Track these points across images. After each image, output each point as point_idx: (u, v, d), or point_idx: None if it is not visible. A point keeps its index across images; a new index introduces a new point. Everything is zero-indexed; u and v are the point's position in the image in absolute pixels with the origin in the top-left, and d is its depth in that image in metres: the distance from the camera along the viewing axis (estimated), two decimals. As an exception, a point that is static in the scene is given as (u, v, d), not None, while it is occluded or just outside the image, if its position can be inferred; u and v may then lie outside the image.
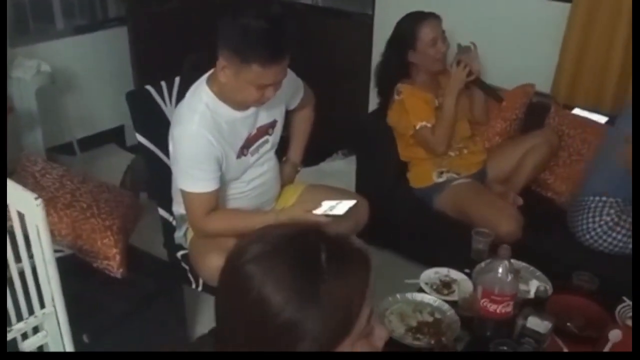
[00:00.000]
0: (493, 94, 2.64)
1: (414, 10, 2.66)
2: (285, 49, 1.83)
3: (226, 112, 1.97)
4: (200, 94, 1.97)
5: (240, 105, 1.98)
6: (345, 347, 0.81)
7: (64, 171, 2.34)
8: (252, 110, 2.02)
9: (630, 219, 2.30)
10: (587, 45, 2.89)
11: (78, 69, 3.56)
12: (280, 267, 0.79)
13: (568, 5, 2.95)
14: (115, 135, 3.94)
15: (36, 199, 1.65)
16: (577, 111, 2.88)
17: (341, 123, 3.53)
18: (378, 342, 0.87)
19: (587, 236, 2.37)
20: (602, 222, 2.33)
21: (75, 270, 2.12)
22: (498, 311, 1.72)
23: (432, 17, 2.60)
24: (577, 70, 2.95)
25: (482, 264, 2.08)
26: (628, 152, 2.17)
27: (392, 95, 2.67)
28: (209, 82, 1.98)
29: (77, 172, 2.46)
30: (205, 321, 2.57)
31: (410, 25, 2.60)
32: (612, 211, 2.33)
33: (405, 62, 2.64)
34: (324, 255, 0.79)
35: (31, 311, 1.85)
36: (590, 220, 2.35)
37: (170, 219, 2.27)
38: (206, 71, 2.03)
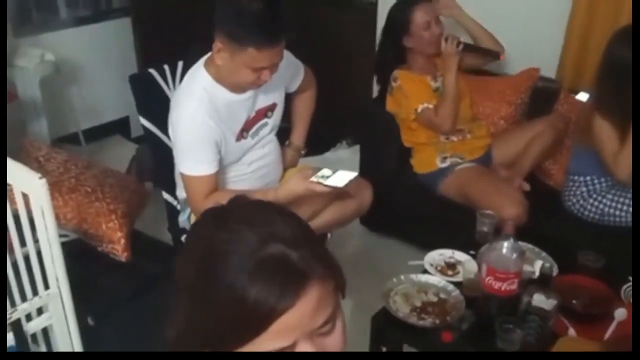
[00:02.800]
0: (490, 52, 2.63)
1: None
2: (281, 32, 1.83)
3: (224, 94, 1.97)
4: (198, 77, 1.97)
5: (237, 88, 1.97)
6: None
7: (68, 156, 2.35)
8: (250, 93, 2.02)
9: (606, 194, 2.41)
10: (592, 27, 2.87)
11: (82, 60, 3.57)
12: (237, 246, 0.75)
13: (571, -13, 2.94)
14: (121, 126, 3.94)
15: (40, 178, 1.66)
16: (581, 95, 2.86)
17: (346, 112, 3.53)
18: None
19: (569, 203, 2.51)
20: (577, 193, 2.47)
21: (80, 254, 2.13)
22: (503, 289, 1.71)
23: (424, 1, 2.60)
24: (583, 53, 2.93)
25: (487, 245, 2.08)
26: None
27: (389, 82, 2.66)
28: (207, 65, 1.98)
29: (82, 157, 2.47)
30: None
31: (403, 10, 2.61)
32: (584, 189, 2.44)
33: (401, 47, 2.64)
34: (255, 258, 0.73)
35: (36, 294, 1.86)
36: (572, 194, 2.49)
37: (175, 203, 2.27)
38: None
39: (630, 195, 2.36)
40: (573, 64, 2.97)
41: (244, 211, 0.82)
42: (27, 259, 1.85)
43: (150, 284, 2.20)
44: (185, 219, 2.20)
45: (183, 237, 2.24)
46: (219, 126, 1.93)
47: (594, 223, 2.44)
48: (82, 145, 3.45)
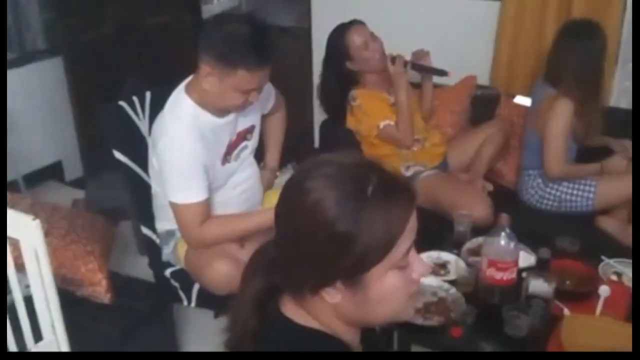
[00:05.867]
0: (436, 71, 2.74)
1: (338, 25, 2.74)
2: (270, 53, 1.87)
3: (208, 119, 1.96)
4: (181, 103, 1.95)
5: (221, 112, 1.98)
6: (379, 271, 0.90)
7: (32, 200, 2.23)
8: (232, 116, 2.03)
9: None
10: (520, 36, 3.09)
11: (14, 104, 3.38)
12: (334, 190, 0.89)
13: (496, 3, 3.16)
14: (54, 171, 3.78)
15: (33, 219, 1.58)
16: (518, 99, 3.07)
17: (288, 137, 3.56)
18: (415, 275, 0.95)
19: (527, 196, 2.69)
20: (534, 185, 2.66)
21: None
22: (505, 278, 1.80)
23: (355, 24, 2.70)
24: (513, 61, 3.15)
25: (468, 243, 2.18)
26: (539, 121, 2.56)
27: (347, 103, 2.73)
28: (188, 91, 1.96)
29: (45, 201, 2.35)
30: (196, 337, 2.46)
31: (339, 38, 2.69)
32: (539, 180, 2.63)
33: (347, 72, 2.72)
34: (371, 188, 0.89)
35: (21, 346, 1.74)
36: (530, 186, 2.67)
37: (154, 237, 2.20)
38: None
39: (582, 181, 2.55)
40: (505, 71, 3.18)
41: (324, 163, 0.93)
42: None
43: (139, 322, 2.12)
44: (170, 252, 2.14)
45: (167, 271, 2.17)
46: (206, 151, 1.91)
47: (553, 212, 2.61)
48: (23, 192, 3.26)
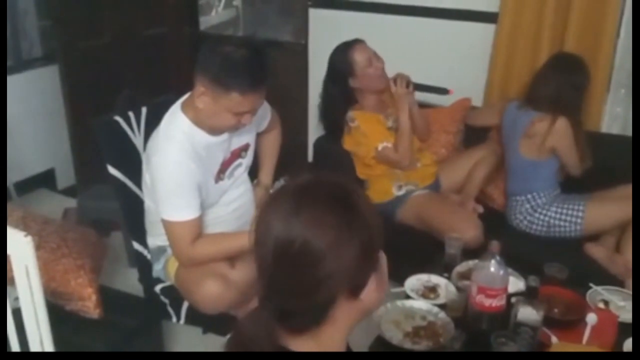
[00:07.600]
0: (437, 90, 2.74)
1: (340, 43, 2.76)
2: (265, 78, 1.88)
3: (202, 137, 1.97)
4: (176, 121, 1.96)
5: (215, 131, 1.98)
6: (373, 283, 0.97)
7: (24, 212, 2.22)
8: (226, 134, 2.04)
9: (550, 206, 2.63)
10: (513, 59, 3.13)
11: (7, 111, 3.38)
12: (318, 209, 0.93)
13: (491, 26, 3.20)
14: (46, 179, 3.76)
15: (25, 236, 1.58)
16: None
17: (282, 151, 3.57)
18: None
19: (516, 221, 2.71)
20: (522, 211, 2.68)
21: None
22: (493, 305, 1.81)
23: (359, 42, 2.72)
24: (506, 83, 3.18)
25: (458, 267, 2.20)
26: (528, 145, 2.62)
27: (344, 123, 2.75)
28: (184, 108, 1.97)
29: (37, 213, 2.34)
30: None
31: (343, 55, 2.71)
32: (527, 206, 2.65)
33: (349, 90, 2.73)
34: (349, 189, 0.97)
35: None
36: (518, 212, 2.69)
37: (145, 252, 2.20)
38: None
39: (571, 205, 2.58)
40: (499, 94, 3.21)
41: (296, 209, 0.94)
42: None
43: (128, 338, 2.11)
44: (161, 268, 2.14)
45: (157, 287, 2.17)
46: (200, 169, 1.92)
47: (542, 237, 2.63)
48: (13, 199, 3.25)
